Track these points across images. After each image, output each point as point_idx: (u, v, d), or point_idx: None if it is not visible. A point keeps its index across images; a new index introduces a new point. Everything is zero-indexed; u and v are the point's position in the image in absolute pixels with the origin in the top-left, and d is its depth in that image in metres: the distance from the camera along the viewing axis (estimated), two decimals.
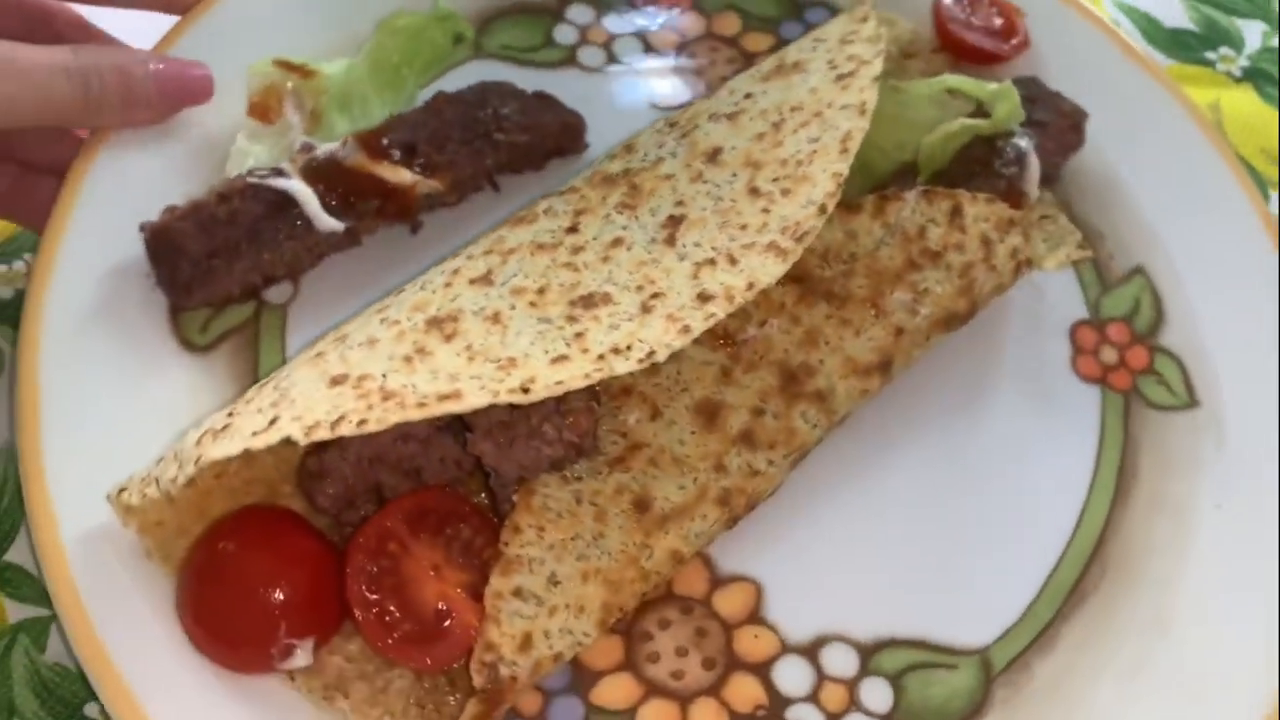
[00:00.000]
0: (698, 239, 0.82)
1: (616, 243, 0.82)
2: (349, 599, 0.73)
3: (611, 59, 1.09)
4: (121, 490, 0.72)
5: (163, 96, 0.89)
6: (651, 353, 0.73)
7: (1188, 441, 0.93)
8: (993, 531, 0.88)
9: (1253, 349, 0.95)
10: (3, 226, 1.00)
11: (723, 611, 0.83)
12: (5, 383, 0.91)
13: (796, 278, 0.86)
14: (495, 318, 0.77)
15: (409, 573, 0.74)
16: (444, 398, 0.70)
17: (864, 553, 0.86)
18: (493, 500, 0.79)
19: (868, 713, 0.80)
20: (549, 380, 0.71)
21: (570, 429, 0.76)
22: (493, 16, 1.09)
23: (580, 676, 0.79)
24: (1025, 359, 0.96)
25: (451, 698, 0.75)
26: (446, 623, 0.73)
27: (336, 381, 0.72)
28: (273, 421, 0.69)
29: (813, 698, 0.80)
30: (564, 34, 1.09)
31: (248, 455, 0.68)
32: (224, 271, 0.86)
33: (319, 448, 0.77)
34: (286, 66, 0.95)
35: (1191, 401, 0.95)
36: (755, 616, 0.83)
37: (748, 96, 0.94)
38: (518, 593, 0.73)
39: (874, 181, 0.96)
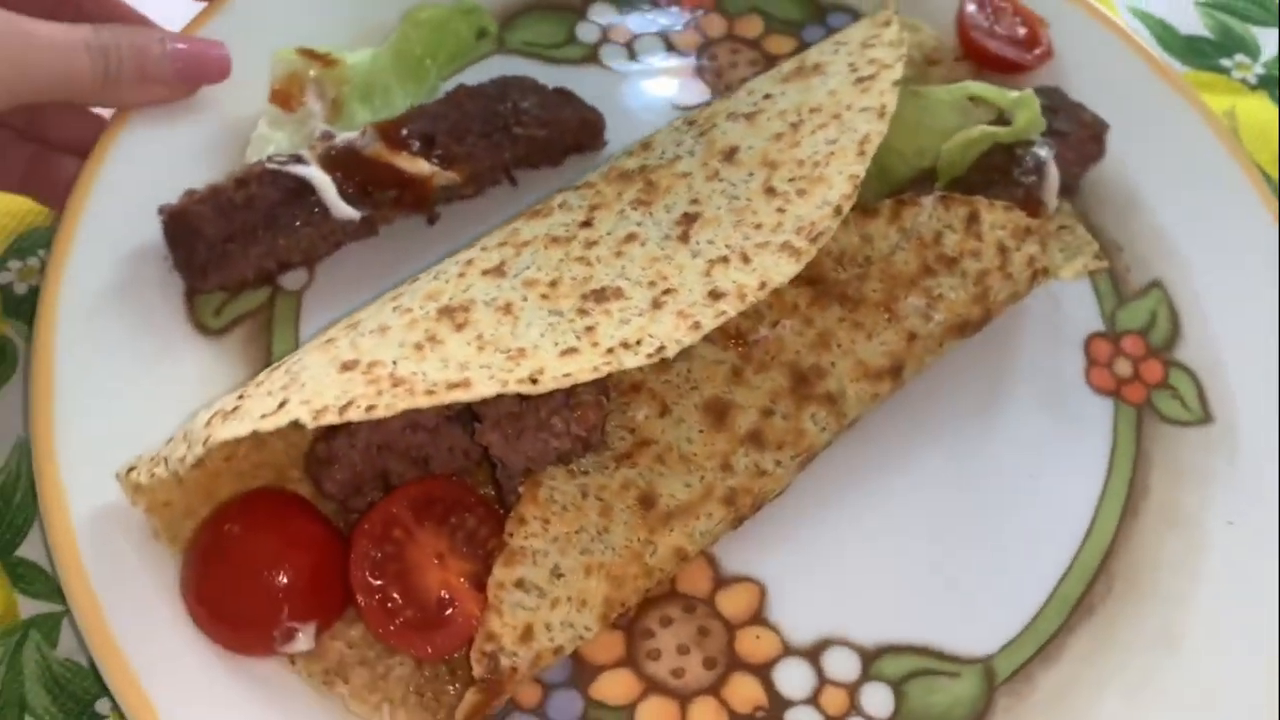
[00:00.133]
0: (711, 236, 0.82)
1: (630, 238, 0.83)
2: (352, 584, 0.73)
3: (633, 58, 1.09)
4: (130, 469, 0.73)
5: (179, 74, 0.90)
6: (661, 348, 0.73)
7: (1200, 457, 0.92)
8: (1000, 541, 0.88)
9: (1269, 365, 0.94)
10: (19, 219, 1.00)
11: (725, 611, 0.83)
12: (19, 378, 0.91)
13: (810, 280, 0.86)
14: (507, 308, 0.77)
15: (413, 560, 0.74)
16: (453, 386, 0.70)
17: (869, 557, 0.86)
18: (499, 491, 0.79)
19: (868, 718, 0.80)
20: (557, 372, 0.71)
21: (578, 423, 0.77)
22: (517, 12, 1.09)
23: (580, 671, 0.79)
24: (1039, 369, 0.96)
25: (451, 687, 0.76)
26: (448, 611, 0.73)
27: (347, 367, 0.73)
28: (282, 404, 0.70)
29: (813, 701, 0.80)
30: (587, 32, 1.10)
31: (257, 439, 0.68)
32: (240, 256, 0.87)
33: (328, 434, 0.77)
34: (310, 55, 0.96)
35: (1206, 417, 0.94)
36: (758, 617, 0.83)
37: (767, 97, 0.93)
38: (520, 584, 0.73)
39: (892, 186, 0.96)
